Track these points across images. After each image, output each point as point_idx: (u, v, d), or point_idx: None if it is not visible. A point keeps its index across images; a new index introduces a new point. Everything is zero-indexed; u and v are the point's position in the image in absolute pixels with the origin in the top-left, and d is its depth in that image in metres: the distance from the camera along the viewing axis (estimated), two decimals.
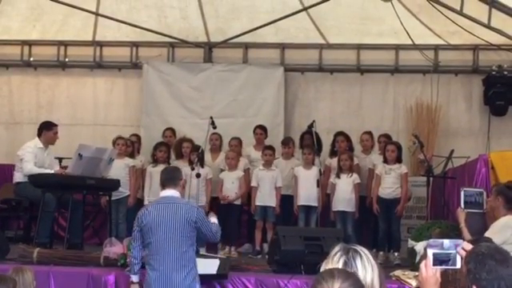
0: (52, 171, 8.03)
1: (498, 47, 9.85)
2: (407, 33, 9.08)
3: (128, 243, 6.47)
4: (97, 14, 10.39)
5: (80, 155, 7.73)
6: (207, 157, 9.10)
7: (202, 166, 8.58)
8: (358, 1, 9.65)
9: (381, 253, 8.20)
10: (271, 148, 8.94)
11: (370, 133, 9.34)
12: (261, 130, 9.62)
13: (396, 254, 8.14)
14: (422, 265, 2.94)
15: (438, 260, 2.92)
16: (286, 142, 9.28)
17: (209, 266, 6.17)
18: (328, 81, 10.93)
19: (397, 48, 10.60)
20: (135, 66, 11.15)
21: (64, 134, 8.92)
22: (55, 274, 6.49)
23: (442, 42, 10.35)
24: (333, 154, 9.17)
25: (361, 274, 2.48)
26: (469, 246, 2.96)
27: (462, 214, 6.20)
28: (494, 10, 8.60)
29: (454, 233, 6.14)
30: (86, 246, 7.95)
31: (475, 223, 6.24)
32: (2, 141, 11.12)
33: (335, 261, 2.53)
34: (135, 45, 11.18)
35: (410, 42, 9.45)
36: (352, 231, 8.28)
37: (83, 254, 7.23)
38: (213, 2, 10.14)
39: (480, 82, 10.40)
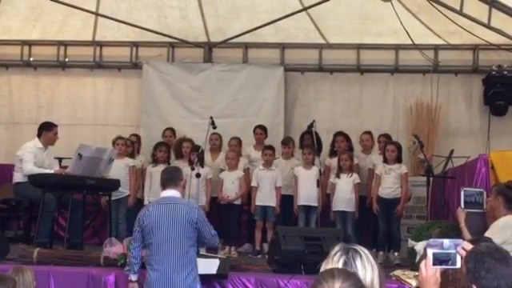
0: (52, 171, 8.02)
1: (498, 47, 9.85)
2: (407, 33, 9.08)
3: (128, 243, 6.47)
4: (97, 14, 10.39)
5: (80, 155, 7.73)
6: (207, 157, 9.10)
7: (202, 165, 8.58)
8: (358, 1, 9.65)
9: (381, 253, 8.20)
10: (271, 148, 8.94)
11: (369, 133, 9.34)
12: (261, 130, 9.62)
13: (396, 253, 8.14)
14: (422, 264, 2.94)
15: (438, 260, 2.92)
16: (286, 141, 9.28)
17: (209, 265, 6.17)
18: (328, 81, 10.93)
19: (397, 48, 10.60)
20: (135, 65, 11.15)
21: (64, 134, 8.92)
22: (55, 274, 6.49)
23: (441, 42, 10.35)
24: (332, 153, 9.17)
25: (361, 273, 2.48)
26: (469, 246, 2.96)
27: (462, 214, 6.20)
28: (493, 10, 8.60)
29: (454, 233, 6.14)
30: (85, 246, 7.95)
31: (475, 223, 6.24)
32: (1, 141, 11.12)
33: (335, 261, 2.53)
34: (135, 45, 11.18)
35: (410, 42, 9.45)
36: (352, 231, 8.27)
37: (83, 254, 7.23)
38: (212, 1, 10.14)
39: (480, 81, 10.40)
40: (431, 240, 3.01)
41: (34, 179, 7.79)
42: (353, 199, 8.44)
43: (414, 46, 9.82)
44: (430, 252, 2.93)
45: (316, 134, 8.90)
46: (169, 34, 10.70)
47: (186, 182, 6.71)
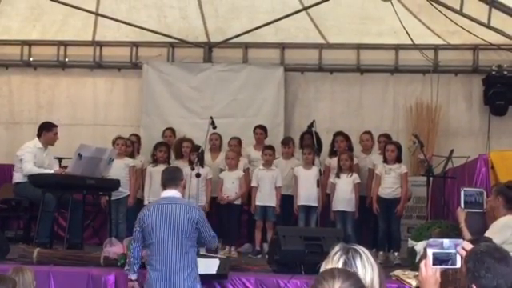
0: (52, 171, 8.02)
1: (498, 47, 9.85)
2: (407, 33, 9.08)
3: (128, 243, 6.47)
4: (97, 14, 10.39)
5: (80, 155, 7.73)
6: (207, 157, 9.10)
7: (202, 165, 8.58)
8: (358, 1, 9.65)
9: (381, 252, 8.20)
10: (271, 148, 8.94)
11: (369, 133, 9.34)
12: (261, 130, 9.62)
13: (396, 253, 8.14)
14: (422, 264, 2.94)
15: (438, 260, 2.92)
16: (286, 141, 9.28)
17: (209, 265, 6.17)
18: (328, 81, 10.93)
19: (397, 48, 10.60)
20: (135, 65, 11.15)
21: (64, 134, 8.92)
22: (55, 274, 6.49)
23: (441, 42, 10.35)
24: (332, 153, 9.17)
25: (361, 273, 2.48)
26: (469, 246, 2.96)
27: (462, 214, 6.20)
28: (493, 10, 8.60)
29: (454, 232, 6.14)
30: (85, 246, 7.95)
31: (475, 223, 6.24)
32: (1, 141, 11.12)
33: (335, 260, 2.53)
34: (135, 45, 11.18)
35: (410, 42, 9.45)
36: (352, 231, 8.27)
37: (83, 254, 7.23)
38: (212, 1, 10.14)
39: (480, 81, 10.40)
40: (431, 240, 3.01)
41: (34, 179, 7.79)
42: (353, 199, 8.44)
43: (414, 46, 9.81)
44: (429, 252, 2.93)
45: (316, 133, 8.90)
46: (169, 33, 10.70)
47: (186, 181, 6.73)
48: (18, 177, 8.13)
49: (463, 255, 2.93)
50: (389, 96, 10.76)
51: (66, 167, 8.27)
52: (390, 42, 10.48)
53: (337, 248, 2.58)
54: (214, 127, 8.67)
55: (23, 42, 11.22)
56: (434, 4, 8.65)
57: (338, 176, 8.55)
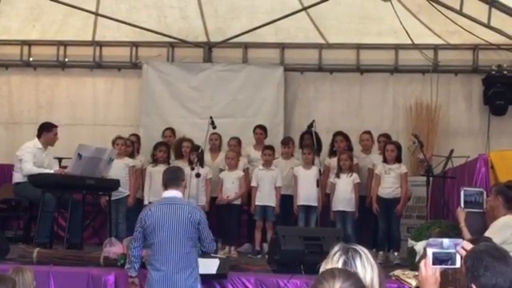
0: (51, 171, 8.02)
1: (498, 47, 9.85)
2: (407, 32, 9.08)
3: (128, 243, 6.47)
4: (96, 14, 10.38)
5: (80, 155, 7.73)
6: (207, 157, 9.10)
7: (202, 165, 8.58)
8: (358, 0, 9.65)
9: (380, 252, 8.20)
10: (271, 148, 8.94)
11: (369, 132, 9.34)
12: (261, 130, 9.62)
13: (396, 253, 8.14)
14: (422, 264, 2.94)
15: (438, 259, 2.92)
16: (286, 141, 9.28)
17: (208, 265, 6.17)
18: (328, 80, 10.93)
19: (396, 48, 10.60)
20: (135, 65, 11.15)
21: (64, 134, 8.92)
22: (55, 274, 6.49)
23: (441, 42, 10.35)
24: (332, 153, 9.17)
25: (360, 273, 2.48)
26: (469, 246, 2.96)
27: (461, 214, 6.20)
28: (493, 10, 8.61)
29: (454, 232, 6.14)
30: (85, 246, 7.95)
31: (475, 223, 6.24)
32: (1, 141, 11.12)
33: (335, 260, 2.53)
34: (135, 45, 11.18)
35: (410, 42, 9.44)
36: (352, 231, 8.27)
37: (83, 253, 7.23)
38: (212, 1, 10.14)
39: (480, 81, 10.40)
40: (431, 240, 3.01)
41: (34, 179, 7.79)
42: (352, 199, 8.44)
43: (414, 46, 9.81)
44: (429, 252, 2.93)
45: (316, 133, 8.90)
46: (169, 33, 10.70)
47: (186, 182, 6.73)
48: (17, 177, 8.13)
49: (463, 255, 2.93)
50: (388, 96, 10.76)
51: (65, 167, 8.27)
52: (390, 42, 10.48)
53: (336, 248, 2.58)
54: (214, 127, 8.67)
55: (23, 42, 11.22)
56: (434, 4, 8.65)
57: (337, 176, 8.55)
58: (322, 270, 2.49)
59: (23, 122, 11.14)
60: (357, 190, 8.50)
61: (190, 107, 10.73)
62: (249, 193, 8.87)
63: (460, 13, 8.67)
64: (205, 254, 5.79)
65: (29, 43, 11.25)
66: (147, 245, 5.57)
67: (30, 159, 7.97)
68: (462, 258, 2.93)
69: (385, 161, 8.39)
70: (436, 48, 10.46)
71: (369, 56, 10.76)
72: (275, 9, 9.94)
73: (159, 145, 9.25)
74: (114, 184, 8.27)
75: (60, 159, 9.07)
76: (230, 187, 8.76)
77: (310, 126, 8.83)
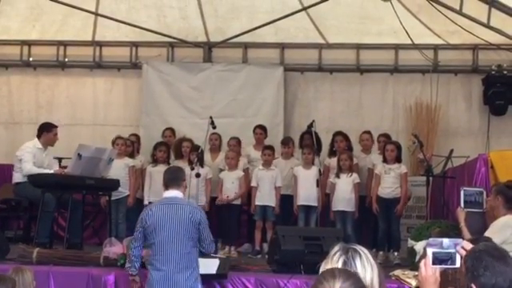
0: (51, 171, 8.02)
1: (498, 47, 9.85)
2: (407, 32, 9.07)
3: (128, 243, 6.47)
4: (96, 14, 10.39)
5: (79, 155, 7.73)
6: (207, 157, 9.10)
7: (202, 165, 8.58)
8: (358, 0, 9.65)
9: (380, 252, 8.20)
10: (270, 148, 8.94)
11: (369, 132, 9.34)
12: (261, 130, 9.62)
13: (396, 253, 8.14)
14: (422, 264, 2.94)
15: (438, 259, 2.92)
16: (286, 141, 9.28)
17: (208, 265, 6.17)
18: (327, 80, 10.93)
19: (396, 48, 10.60)
20: (135, 65, 11.15)
21: (63, 134, 8.92)
22: (55, 274, 6.49)
23: (441, 42, 10.35)
24: (332, 153, 9.17)
25: (360, 273, 2.48)
26: (469, 246, 2.96)
27: (461, 214, 6.20)
28: (493, 10, 8.61)
29: (454, 232, 6.14)
30: (85, 246, 7.95)
31: (475, 223, 6.24)
32: (1, 141, 11.12)
33: (335, 260, 2.53)
34: (135, 45, 11.18)
35: (410, 42, 9.44)
36: (352, 231, 8.27)
37: (83, 253, 7.23)
38: (212, 1, 10.14)
39: (479, 81, 10.40)
40: (431, 239, 3.01)
41: (34, 179, 7.79)
42: (352, 199, 8.44)
43: (414, 46, 9.81)
44: (429, 251, 2.93)
45: (316, 133, 8.90)
46: (168, 33, 10.70)
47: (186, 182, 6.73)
48: (17, 177, 8.13)
49: (463, 255, 2.93)
50: (388, 96, 10.76)
51: (65, 167, 8.27)
52: (390, 42, 10.48)
53: (336, 248, 2.58)
54: (214, 127, 8.67)
55: (23, 42, 11.21)
56: (434, 4, 8.65)
57: (337, 176, 8.55)
58: (321, 269, 2.49)
59: (23, 122, 11.14)
60: (357, 189, 8.50)
61: (190, 107, 10.73)
62: (249, 193, 8.87)
63: (460, 13, 8.67)
64: (204, 255, 5.77)
65: (29, 43, 11.25)
66: (148, 245, 5.57)
67: (30, 159, 7.97)
68: (461, 257, 2.93)
69: (385, 161, 8.40)
70: (436, 48, 10.46)
71: (369, 56, 10.76)
72: (275, 9, 9.94)
73: (159, 145, 9.25)
74: (114, 184, 8.27)
75: (60, 159, 9.07)
76: (230, 187, 8.76)
77: (310, 125, 8.83)
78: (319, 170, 8.54)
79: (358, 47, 10.73)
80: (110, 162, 8.09)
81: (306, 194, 8.51)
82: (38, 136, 8.28)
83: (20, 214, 9.14)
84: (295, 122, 10.75)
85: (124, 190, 8.83)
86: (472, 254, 2.89)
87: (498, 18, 8.73)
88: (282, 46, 10.93)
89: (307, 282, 6.19)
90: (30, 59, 11.29)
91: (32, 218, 8.30)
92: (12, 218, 9.62)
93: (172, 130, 10.03)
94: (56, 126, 8.43)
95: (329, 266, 2.50)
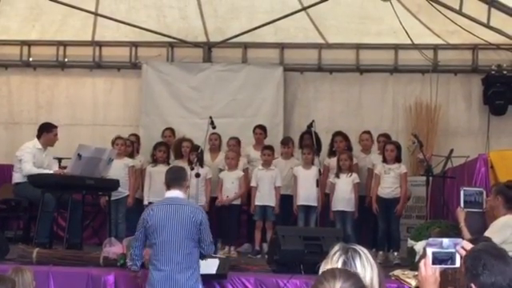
0: (51, 171, 8.02)
1: (498, 47, 9.85)
2: (406, 32, 9.08)
3: (128, 243, 6.47)
4: (96, 14, 10.38)
5: (79, 155, 7.72)
6: (206, 157, 9.10)
7: (202, 165, 8.57)
8: (357, 0, 9.65)
9: (380, 252, 8.20)
10: (270, 148, 8.94)
11: (369, 132, 9.34)
12: (260, 130, 9.62)
13: (395, 253, 8.14)
14: (422, 264, 2.94)
15: (438, 259, 2.92)
16: (286, 141, 9.28)
17: (208, 265, 6.16)
18: (327, 80, 10.93)
19: (396, 47, 10.60)
20: (134, 65, 11.15)
21: (63, 134, 8.91)
22: (55, 274, 6.48)
23: (441, 42, 10.35)
24: (331, 153, 9.17)
25: (360, 273, 2.48)
26: (469, 246, 2.96)
27: (461, 214, 6.20)
28: (493, 10, 8.61)
29: (454, 232, 6.14)
30: (85, 246, 7.94)
31: (475, 222, 6.24)
32: (1, 141, 11.12)
33: (334, 260, 2.53)
34: (134, 45, 11.17)
35: (410, 42, 9.44)
36: (351, 231, 8.27)
37: (83, 254, 7.22)
38: (212, 1, 10.14)
39: (479, 81, 10.40)
40: (430, 239, 3.01)
41: (34, 179, 7.79)
42: (352, 199, 8.44)
43: (414, 46, 9.81)
44: (429, 251, 2.93)
45: (315, 133, 8.89)
46: (168, 33, 10.70)
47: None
48: (17, 177, 8.13)
49: (463, 255, 2.93)
50: (388, 96, 10.76)
51: (65, 167, 8.27)
52: (390, 42, 10.48)
53: (336, 248, 2.58)
54: (214, 127, 8.66)
55: (22, 42, 11.21)
56: (434, 4, 8.65)
57: (337, 176, 8.55)
58: (321, 269, 2.49)
59: (23, 122, 11.14)
60: (356, 189, 8.50)
61: (190, 107, 10.73)
62: (248, 193, 8.86)
63: (459, 13, 8.67)
64: (203, 257, 5.75)
65: (28, 43, 11.25)
66: (149, 245, 5.56)
67: (30, 159, 7.97)
68: (461, 257, 2.93)
69: (384, 161, 8.40)
70: (436, 48, 10.46)
71: (368, 56, 10.76)
72: (275, 9, 9.94)
73: (159, 145, 9.25)
74: (114, 184, 8.27)
75: (60, 159, 9.07)
76: (230, 187, 8.76)
77: (310, 125, 8.82)
78: (319, 170, 8.54)
79: (358, 47, 10.73)
80: (109, 162, 8.09)
81: (306, 193, 8.51)
82: (38, 136, 8.27)
83: (20, 214, 9.13)
84: (295, 122, 10.75)
85: (124, 190, 8.83)
86: (471, 254, 2.90)
87: (498, 18, 8.73)
88: (282, 46, 10.93)
89: (307, 282, 6.18)
90: (30, 59, 11.29)
91: (32, 218, 8.28)
92: (12, 218, 9.61)
93: (172, 130, 10.03)
94: (56, 127, 8.42)
95: (328, 266, 2.50)
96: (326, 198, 8.73)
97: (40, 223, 7.63)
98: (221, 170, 9.11)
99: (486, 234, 5.44)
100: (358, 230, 8.50)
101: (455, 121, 10.54)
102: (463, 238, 3.34)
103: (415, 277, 5.88)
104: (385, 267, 3.90)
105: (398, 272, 6.51)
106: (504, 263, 2.84)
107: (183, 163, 8.62)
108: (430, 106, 10.33)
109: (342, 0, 9.59)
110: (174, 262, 5.40)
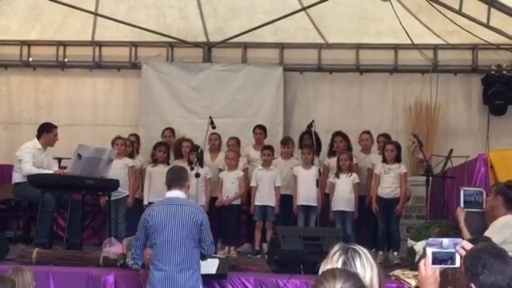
0: (51, 171, 8.02)
1: (497, 47, 9.85)
2: (406, 32, 9.08)
3: (127, 243, 6.48)
4: (96, 14, 10.38)
5: (79, 155, 7.72)
6: (206, 157, 9.10)
7: (202, 165, 8.57)
8: (357, 0, 9.65)
9: (380, 252, 8.20)
10: (270, 148, 8.94)
11: (369, 132, 9.34)
12: (260, 130, 9.62)
13: (395, 253, 8.14)
14: (422, 264, 2.94)
15: (438, 259, 2.92)
16: (286, 141, 9.28)
17: (208, 265, 6.16)
18: (327, 80, 10.93)
19: (396, 47, 10.60)
20: (134, 65, 11.15)
21: (63, 134, 8.90)
22: (54, 274, 6.48)
23: (441, 42, 10.35)
24: (331, 153, 9.17)
25: (360, 273, 2.48)
26: (469, 245, 2.96)
27: (461, 214, 6.21)
28: (493, 10, 8.61)
29: (454, 232, 6.14)
30: (85, 246, 7.94)
31: (475, 222, 6.24)
32: (1, 141, 11.12)
33: (334, 260, 2.53)
34: (134, 45, 11.17)
35: (409, 42, 9.45)
36: (351, 231, 8.27)
37: (82, 254, 7.22)
38: (212, 1, 10.14)
39: (479, 81, 10.40)
40: (430, 239, 3.01)
41: (34, 179, 7.79)
42: (352, 199, 8.44)
43: (413, 46, 9.81)
44: (429, 251, 2.93)
45: (315, 133, 8.89)
46: (168, 34, 10.70)
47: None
48: (17, 177, 8.12)
49: (463, 255, 2.93)
50: (388, 96, 10.76)
51: (65, 167, 8.27)
52: (390, 42, 10.48)
53: (336, 248, 2.58)
54: (214, 127, 8.65)
55: (22, 42, 11.21)
56: (433, 4, 8.65)
57: (337, 176, 8.55)
58: (321, 269, 2.49)
59: (23, 123, 11.14)
60: (356, 189, 8.50)
61: (190, 107, 10.73)
62: (248, 193, 8.86)
63: (459, 13, 8.67)
64: (203, 258, 5.75)
65: (28, 43, 11.24)
66: (149, 245, 5.57)
67: (30, 159, 7.97)
68: (461, 257, 2.93)
69: (384, 161, 8.40)
70: (435, 48, 10.46)
71: (368, 56, 10.76)
72: (275, 9, 9.94)
73: (159, 145, 9.25)
74: (114, 184, 8.27)
75: (59, 159, 9.07)
76: (230, 187, 8.76)
77: (310, 125, 8.82)
78: (319, 170, 8.54)
79: (358, 47, 10.73)
80: (109, 162, 8.09)
81: (306, 193, 8.51)
82: (38, 136, 8.27)
83: (19, 215, 9.13)
84: (295, 122, 10.75)
85: (123, 190, 8.83)
86: (471, 254, 2.90)
87: (498, 18, 8.73)
88: (282, 46, 10.92)
89: (307, 282, 6.19)
90: (30, 59, 11.28)
91: (31, 219, 8.29)
92: (11, 218, 9.62)
93: (172, 130, 10.03)
94: (56, 127, 8.42)
95: (328, 266, 2.50)
96: (325, 198, 8.73)
97: (40, 223, 7.63)
98: (221, 170, 9.11)
99: (486, 233, 5.45)
100: (357, 229, 8.50)
101: (455, 121, 10.54)
102: (463, 238, 3.34)
103: (415, 277, 5.88)
104: (385, 267, 3.89)
105: (397, 272, 6.51)
106: (503, 263, 2.85)
107: (183, 163, 8.60)
108: (430, 105, 10.34)
109: (341, 0, 9.59)
110: (175, 262, 5.40)
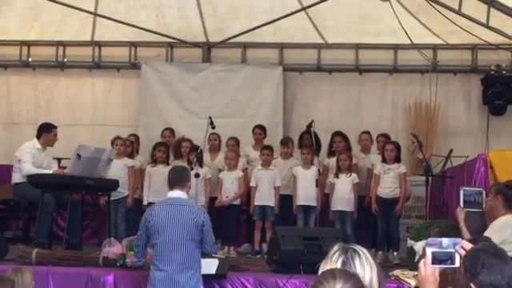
0: (50, 171, 8.01)
1: (497, 47, 9.86)
2: (406, 32, 9.08)
3: (127, 243, 6.48)
4: (95, 14, 10.38)
5: (79, 155, 7.72)
6: (206, 157, 9.10)
7: (201, 165, 8.57)
8: (357, 0, 9.65)
9: (380, 252, 8.20)
10: (269, 148, 8.93)
11: (368, 132, 9.34)
12: (260, 130, 9.61)
13: (395, 253, 8.14)
14: (421, 264, 2.94)
15: (437, 259, 2.92)
16: (285, 141, 9.28)
17: (208, 265, 6.15)
18: (326, 80, 10.93)
19: (395, 48, 10.60)
20: (134, 66, 11.15)
21: (63, 134, 8.89)
22: (54, 274, 6.48)
23: (440, 42, 10.35)
24: (331, 153, 9.17)
25: (359, 273, 2.48)
26: (468, 245, 2.96)
27: (461, 214, 6.20)
28: (492, 10, 8.61)
29: (453, 232, 6.13)
30: (84, 247, 7.93)
31: (474, 222, 6.24)
32: (0, 141, 11.12)
33: (334, 260, 2.53)
34: (134, 45, 11.17)
35: (409, 42, 9.45)
36: (351, 231, 8.27)
37: (82, 254, 7.22)
38: (211, 1, 10.14)
39: (479, 81, 10.41)
40: (430, 239, 3.01)
41: (33, 179, 7.78)
42: (352, 199, 8.44)
43: (413, 46, 9.81)
44: (429, 251, 2.93)
45: (315, 133, 8.90)
46: (167, 34, 10.70)
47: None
48: (16, 177, 8.12)
49: (462, 254, 2.93)
50: (387, 96, 10.76)
51: (64, 167, 8.26)
52: (389, 42, 10.49)
53: (336, 248, 2.58)
54: (213, 127, 8.65)
55: (22, 43, 11.21)
56: (433, 4, 8.65)
57: (336, 176, 8.55)
58: (321, 269, 2.49)
59: (22, 123, 11.14)
60: (356, 189, 8.50)
61: (189, 107, 10.73)
62: (248, 193, 8.86)
63: (459, 13, 8.67)
64: (205, 255, 5.77)
65: (28, 43, 11.24)
66: (150, 245, 5.57)
67: (29, 159, 7.96)
68: (461, 257, 2.93)
69: (384, 161, 8.40)
70: (435, 48, 10.46)
71: (368, 56, 10.76)
72: (274, 9, 9.94)
73: (158, 145, 9.25)
74: (113, 184, 8.26)
75: (59, 159, 9.07)
76: (230, 187, 8.76)
77: (309, 125, 8.83)
78: (318, 170, 8.54)
79: (357, 47, 10.73)
80: (109, 162, 8.09)
81: (306, 193, 8.51)
82: (38, 136, 8.26)
83: (19, 215, 9.13)
84: (294, 122, 10.75)
85: (123, 191, 8.83)
86: (470, 254, 2.90)
87: (497, 18, 8.73)
88: (281, 46, 10.93)
89: (306, 282, 6.18)
90: (29, 59, 11.28)
91: (31, 219, 8.29)
92: (11, 218, 9.61)
93: (171, 130, 10.03)
94: (55, 127, 8.42)
95: (328, 266, 2.50)
96: (325, 198, 8.74)
97: (39, 223, 7.63)
98: (220, 170, 9.11)
99: (486, 233, 5.45)
100: (357, 229, 8.50)
101: (454, 121, 10.55)
102: (463, 238, 3.34)
103: (415, 277, 5.88)
104: (384, 267, 3.90)
105: (397, 272, 6.51)
106: (502, 262, 2.85)
107: (183, 163, 8.60)
108: (430, 105, 10.34)
109: (341, 0, 9.59)
110: (176, 262, 5.40)
